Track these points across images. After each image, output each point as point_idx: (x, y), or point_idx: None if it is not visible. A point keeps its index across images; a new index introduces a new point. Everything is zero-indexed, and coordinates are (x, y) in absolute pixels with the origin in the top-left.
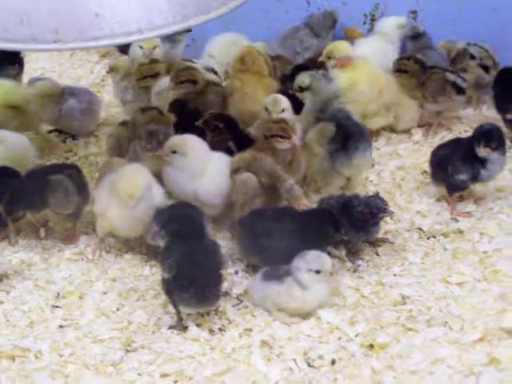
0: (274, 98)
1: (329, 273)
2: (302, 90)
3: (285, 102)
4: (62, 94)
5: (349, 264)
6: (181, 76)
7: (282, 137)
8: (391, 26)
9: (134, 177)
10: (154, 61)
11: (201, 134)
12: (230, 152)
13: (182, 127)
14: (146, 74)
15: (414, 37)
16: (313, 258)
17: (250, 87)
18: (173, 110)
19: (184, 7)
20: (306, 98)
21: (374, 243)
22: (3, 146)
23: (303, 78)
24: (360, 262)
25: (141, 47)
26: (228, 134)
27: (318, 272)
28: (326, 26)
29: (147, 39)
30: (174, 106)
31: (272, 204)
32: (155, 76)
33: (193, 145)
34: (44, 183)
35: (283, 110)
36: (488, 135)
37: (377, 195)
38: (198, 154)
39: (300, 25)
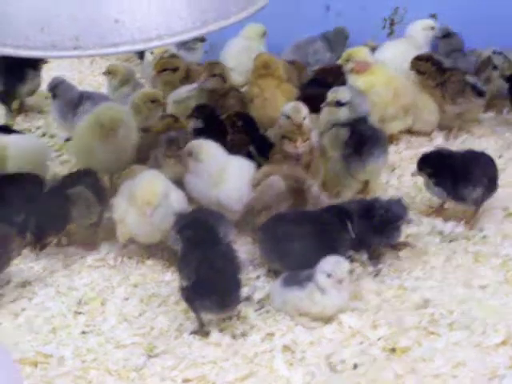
0: (295, 106)
1: (339, 280)
2: (339, 104)
3: (305, 109)
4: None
5: (370, 268)
6: (214, 69)
7: (290, 139)
8: (417, 29)
9: (151, 184)
10: (173, 55)
11: (221, 138)
12: (250, 157)
13: (209, 133)
14: (165, 66)
15: (445, 36)
16: (328, 262)
17: (270, 93)
18: (199, 116)
19: (203, 13)
20: (342, 113)
21: (396, 247)
22: (17, 149)
23: (344, 93)
24: (381, 266)
25: (151, 53)
26: (246, 134)
27: (328, 276)
28: (340, 43)
29: None
30: (202, 111)
31: (298, 208)
32: (175, 70)
33: (208, 149)
34: (64, 199)
35: (304, 118)
36: (425, 161)
37: (399, 200)
38: (214, 158)
39: (316, 36)
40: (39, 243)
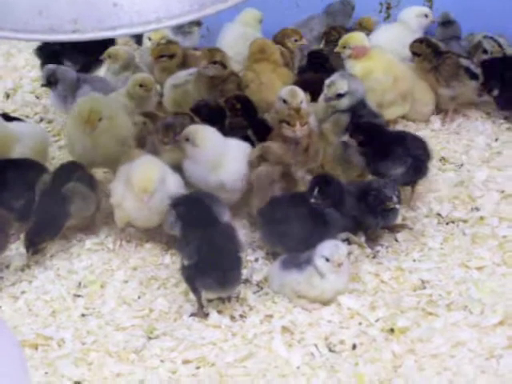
0: (292, 90)
1: (338, 264)
2: (340, 96)
3: (302, 93)
4: None
5: (368, 250)
6: (215, 56)
7: (288, 123)
8: (411, 15)
9: (147, 171)
10: (170, 41)
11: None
12: (248, 140)
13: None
14: (162, 53)
15: (444, 23)
16: (327, 246)
17: (266, 77)
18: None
19: None
20: (342, 103)
21: (393, 229)
22: (26, 138)
23: (341, 85)
24: (379, 247)
25: (149, 39)
26: (244, 118)
27: (327, 260)
28: (346, 13)
29: (155, 31)
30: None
31: (291, 190)
32: (172, 57)
33: (204, 134)
34: (60, 199)
35: (301, 102)
36: (358, 128)
37: (392, 182)
38: (211, 142)
39: (315, 14)
40: (33, 248)
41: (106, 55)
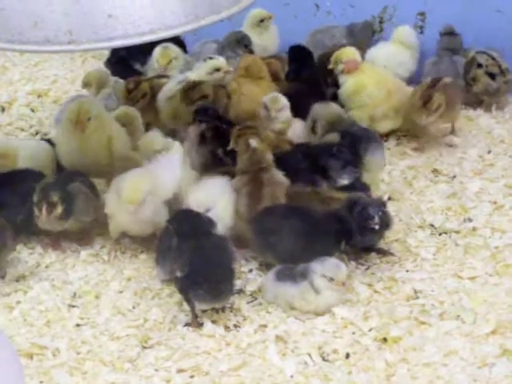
0: (273, 96)
1: (341, 283)
2: None
3: (283, 100)
4: None
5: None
6: (193, 96)
7: None
8: (405, 34)
9: (135, 182)
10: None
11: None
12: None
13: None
14: (136, 98)
15: (447, 34)
16: (330, 266)
17: (248, 88)
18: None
19: (196, 7)
20: None
21: (378, 251)
22: (26, 153)
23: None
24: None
25: (157, 61)
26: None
27: (331, 280)
28: (367, 36)
29: (163, 55)
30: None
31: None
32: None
33: None
34: (64, 196)
35: (281, 109)
36: None
37: (381, 202)
38: None
39: (338, 25)
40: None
41: (83, 85)
